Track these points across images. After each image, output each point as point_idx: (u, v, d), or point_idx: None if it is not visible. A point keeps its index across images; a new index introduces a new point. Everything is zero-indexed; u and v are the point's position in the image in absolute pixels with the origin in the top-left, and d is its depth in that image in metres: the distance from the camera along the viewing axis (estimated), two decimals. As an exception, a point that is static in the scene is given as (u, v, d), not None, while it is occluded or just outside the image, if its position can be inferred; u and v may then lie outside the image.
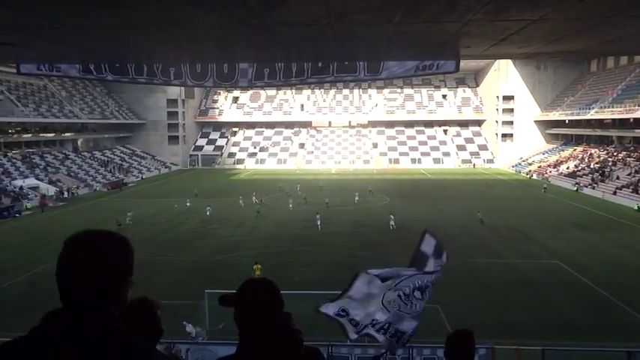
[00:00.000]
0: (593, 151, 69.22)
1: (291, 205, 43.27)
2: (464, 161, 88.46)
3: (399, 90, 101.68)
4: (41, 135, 67.23)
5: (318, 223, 35.64)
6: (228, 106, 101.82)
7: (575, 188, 56.71)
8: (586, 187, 56.07)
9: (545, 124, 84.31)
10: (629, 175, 53.92)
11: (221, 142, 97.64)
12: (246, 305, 2.35)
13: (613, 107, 64.44)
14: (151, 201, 50.54)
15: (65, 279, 1.63)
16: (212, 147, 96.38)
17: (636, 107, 58.48)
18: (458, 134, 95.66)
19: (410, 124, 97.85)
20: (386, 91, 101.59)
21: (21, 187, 50.66)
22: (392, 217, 35.87)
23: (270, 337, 2.22)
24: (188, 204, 45.66)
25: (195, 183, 62.86)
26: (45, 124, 68.16)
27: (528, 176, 71.17)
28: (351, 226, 36.96)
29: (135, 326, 2.04)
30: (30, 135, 65.03)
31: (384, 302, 5.31)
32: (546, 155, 79.06)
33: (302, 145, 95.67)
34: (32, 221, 41.26)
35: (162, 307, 2.54)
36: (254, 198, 48.34)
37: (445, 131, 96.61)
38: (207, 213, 40.86)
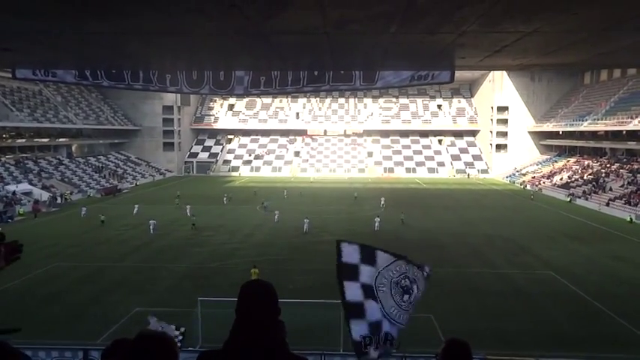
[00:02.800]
0: (586, 162, 69.71)
1: (276, 217, 41.77)
2: (458, 171, 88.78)
3: (394, 99, 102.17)
4: (35, 140, 66.90)
5: (305, 227, 37.17)
6: (223, 113, 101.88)
7: (568, 199, 57.02)
8: (579, 198, 56.39)
9: (539, 135, 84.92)
10: (621, 186, 54.30)
11: (216, 149, 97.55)
12: (237, 311, 2.39)
13: (606, 119, 65.04)
14: (144, 207, 50.26)
15: None
16: (207, 154, 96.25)
17: (629, 119, 59.08)
18: (452, 144, 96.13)
19: (405, 133, 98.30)
20: (381, 100, 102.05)
21: (14, 193, 50.31)
22: (378, 219, 38.45)
23: (249, 345, 2.26)
24: (135, 211, 45.38)
25: (188, 190, 62.65)
26: (39, 129, 67.83)
27: (522, 187, 71.50)
28: (349, 234, 36.88)
29: None
30: (24, 140, 64.72)
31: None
32: (540, 166, 79.52)
33: (297, 153, 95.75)
34: (25, 227, 40.91)
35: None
36: (224, 198, 50.13)
37: (440, 141, 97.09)
38: (151, 229, 36.85)
